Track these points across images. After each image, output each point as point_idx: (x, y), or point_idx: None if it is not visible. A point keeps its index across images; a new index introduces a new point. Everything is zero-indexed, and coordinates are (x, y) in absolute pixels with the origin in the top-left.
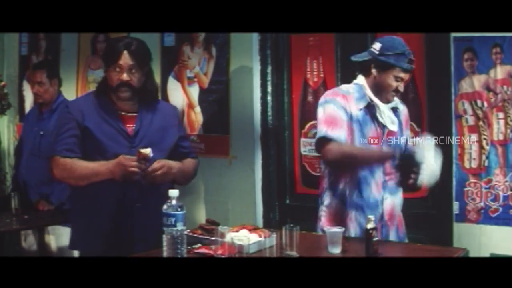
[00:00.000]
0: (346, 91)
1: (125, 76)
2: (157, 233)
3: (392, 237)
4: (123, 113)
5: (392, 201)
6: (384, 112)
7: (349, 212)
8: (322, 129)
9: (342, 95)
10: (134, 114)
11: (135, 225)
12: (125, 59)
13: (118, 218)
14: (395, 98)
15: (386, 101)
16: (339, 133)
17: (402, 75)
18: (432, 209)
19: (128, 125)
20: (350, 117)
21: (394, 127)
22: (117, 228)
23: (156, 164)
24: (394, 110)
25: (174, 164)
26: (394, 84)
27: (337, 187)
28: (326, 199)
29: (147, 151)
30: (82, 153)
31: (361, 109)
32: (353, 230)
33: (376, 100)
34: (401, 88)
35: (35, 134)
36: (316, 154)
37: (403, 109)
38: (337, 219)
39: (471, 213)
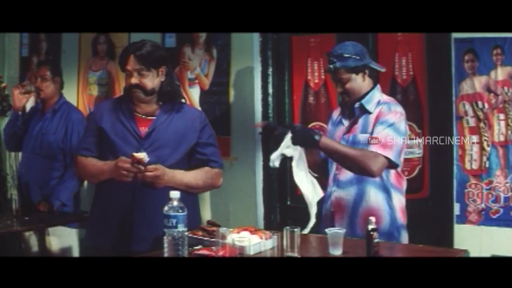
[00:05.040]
0: None
1: (133, 80)
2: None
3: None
4: (140, 115)
5: (341, 194)
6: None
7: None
8: None
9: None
10: (152, 118)
11: (144, 224)
12: (131, 63)
13: (130, 216)
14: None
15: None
16: None
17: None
18: (432, 210)
19: (142, 127)
20: (331, 122)
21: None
22: (128, 226)
23: (151, 166)
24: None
25: (169, 172)
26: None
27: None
28: None
29: (141, 155)
30: (98, 152)
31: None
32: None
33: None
34: (338, 89)
35: (37, 133)
36: None
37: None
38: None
39: (472, 214)
